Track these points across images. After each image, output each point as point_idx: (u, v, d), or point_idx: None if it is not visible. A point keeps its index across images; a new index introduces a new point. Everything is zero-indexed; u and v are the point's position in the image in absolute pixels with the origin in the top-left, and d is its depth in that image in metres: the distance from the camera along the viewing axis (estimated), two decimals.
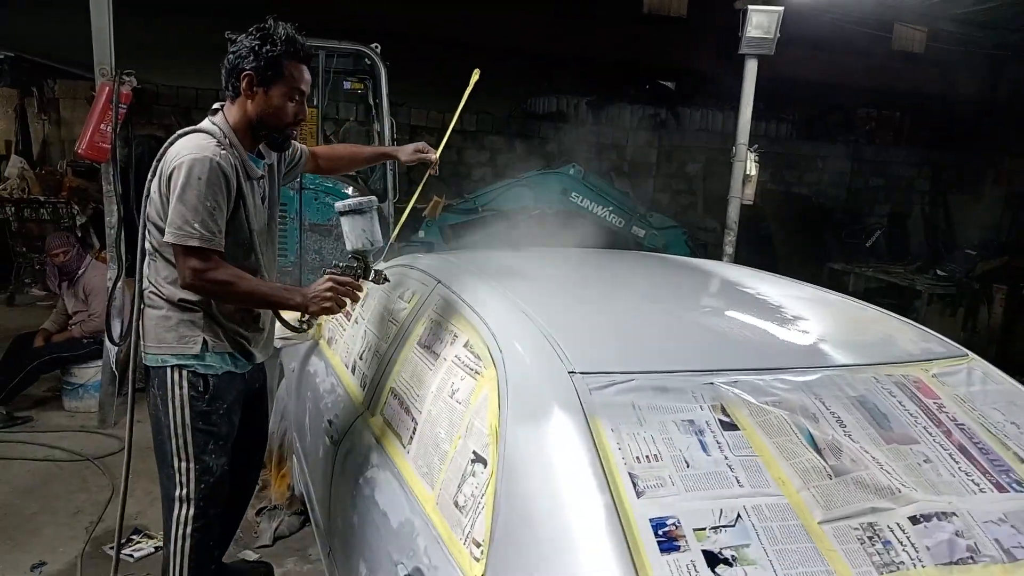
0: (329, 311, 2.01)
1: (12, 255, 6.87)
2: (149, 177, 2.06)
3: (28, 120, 8.11)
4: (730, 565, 1.12)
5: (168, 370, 2.09)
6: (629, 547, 1.13)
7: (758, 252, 7.10)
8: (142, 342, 2.13)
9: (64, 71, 7.99)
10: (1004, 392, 1.72)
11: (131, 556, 2.97)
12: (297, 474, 3.19)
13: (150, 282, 2.12)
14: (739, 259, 4.54)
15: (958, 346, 1.89)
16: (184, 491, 2.12)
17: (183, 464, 2.11)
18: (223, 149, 2.01)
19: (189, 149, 1.98)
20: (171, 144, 2.05)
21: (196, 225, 1.93)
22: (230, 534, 2.56)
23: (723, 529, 1.17)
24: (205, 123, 2.11)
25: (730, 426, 1.36)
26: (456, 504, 1.48)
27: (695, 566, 1.12)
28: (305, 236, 5.62)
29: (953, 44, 8.05)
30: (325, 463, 2.31)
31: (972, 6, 6.03)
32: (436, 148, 2.70)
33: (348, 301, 2.04)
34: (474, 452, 1.50)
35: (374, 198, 2.07)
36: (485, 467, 1.44)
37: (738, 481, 1.26)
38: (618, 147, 8.59)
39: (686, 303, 2.03)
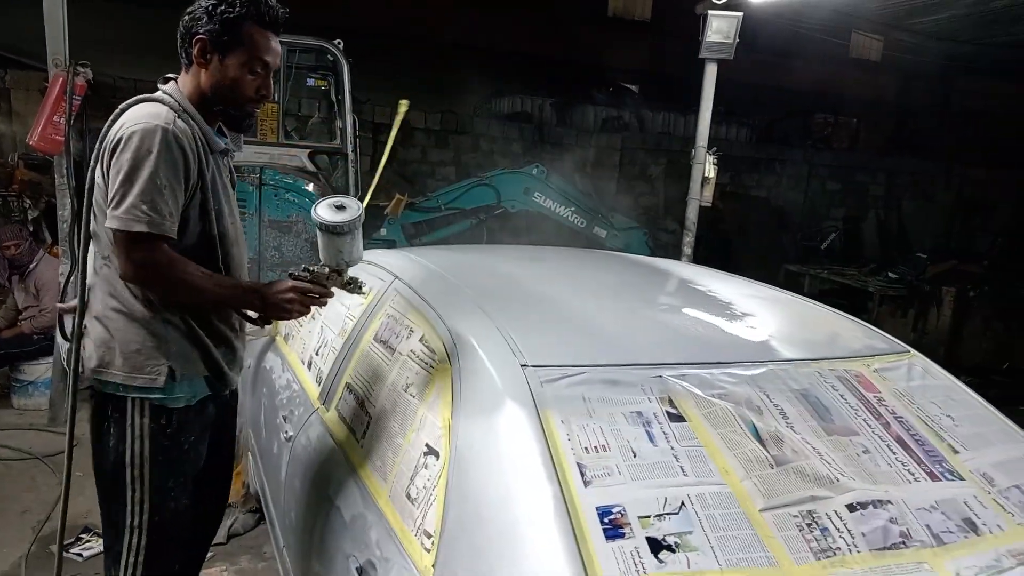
0: (288, 318, 1.80)
1: None
2: (92, 163, 1.77)
3: None
4: (673, 551, 1.15)
5: (128, 401, 1.79)
6: (575, 535, 1.15)
7: (717, 253, 7.22)
8: (92, 361, 1.81)
9: (16, 61, 7.78)
10: (942, 387, 1.79)
11: (80, 555, 2.92)
12: (252, 471, 3.17)
13: (105, 293, 1.79)
14: (698, 259, 4.62)
15: (900, 343, 1.95)
16: (136, 520, 1.84)
17: (136, 495, 1.83)
18: (178, 118, 1.72)
19: (136, 119, 1.68)
20: (115, 119, 1.74)
21: (144, 207, 1.62)
22: (198, 565, 2.23)
23: (667, 517, 1.20)
24: (153, 95, 1.80)
25: (677, 418, 1.39)
26: (408, 496, 1.49)
27: (639, 552, 1.14)
28: (264, 232, 5.56)
29: (908, 54, 8.28)
30: (279, 459, 2.29)
31: (923, 16, 6.21)
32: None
33: (313, 308, 1.81)
34: (427, 445, 1.51)
35: (360, 212, 1.77)
36: (437, 459, 1.45)
37: (683, 470, 1.29)
38: (582, 148, 8.64)
39: (638, 300, 2.06)
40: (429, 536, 1.36)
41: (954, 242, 9.20)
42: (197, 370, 1.84)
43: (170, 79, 1.84)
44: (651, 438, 1.34)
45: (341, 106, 5.81)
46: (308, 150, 5.80)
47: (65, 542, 2.69)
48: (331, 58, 5.69)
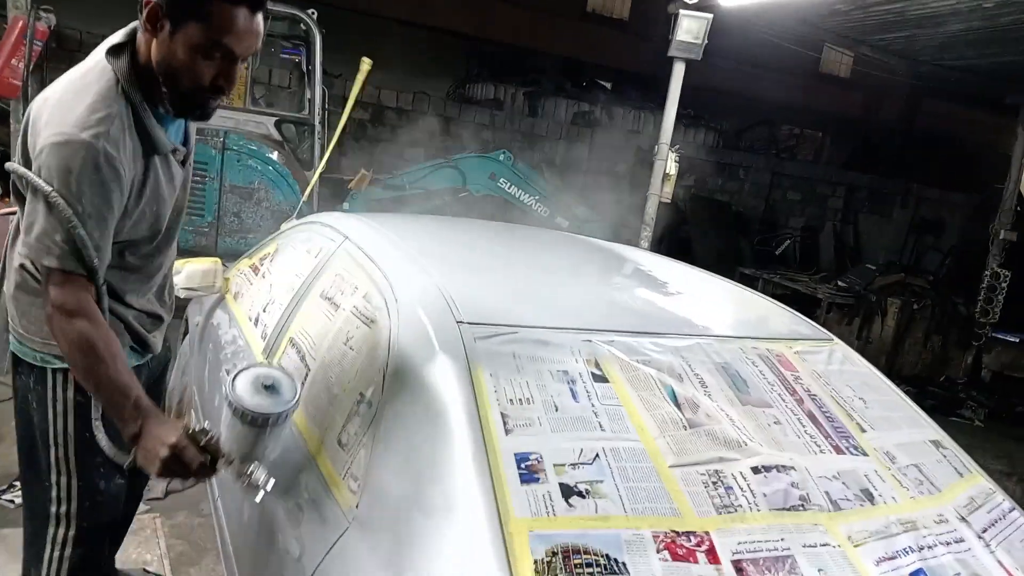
0: (145, 468, 1.42)
1: None
2: (22, 127, 1.51)
3: None
4: (583, 497, 1.21)
5: (49, 372, 1.61)
6: (492, 477, 1.21)
7: (677, 252, 7.35)
8: (12, 324, 1.63)
9: None
10: (859, 374, 1.88)
11: (11, 503, 2.89)
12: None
13: (28, 262, 1.54)
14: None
15: (825, 331, 2.04)
16: (63, 508, 1.67)
17: (62, 479, 1.66)
18: (112, 119, 1.41)
19: (62, 124, 1.38)
20: (45, 100, 1.46)
21: (56, 238, 1.37)
22: (119, 542, 2.12)
23: (581, 466, 1.27)
24: (98, 62, 1.48)
25: (601, 379, 1.46)
26: (339, 443, 1.53)
27: (550, 496, 1.20)
28: (225, 198, 5.53)
29: (876, 71, 8.48)
30: (219, 412, 2.31)
31: (887, 33, 6.39)
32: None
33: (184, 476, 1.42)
34: (360, 394, 1.55)
35: (295, 402, 1.42)
36: (370, 407, 1.50)
37: (601, 426, 1.35)
38: (552, 140, 8.72)
39: (579, 272, 2.13)
40: (356, 479, 1.40)
41: (906, 258, 9.49)
42: (121, 340, 1.61)
43: (124, 44, 1.50)
44: (574, 395, 1.40)
45: (311, 76, 5.79)
46: (275, 118, 5.77)
47: None
48: (304, 27, 5.66)
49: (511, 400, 1.36)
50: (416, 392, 1.41)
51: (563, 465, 1.26)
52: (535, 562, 1.11)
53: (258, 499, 1.46)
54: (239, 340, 2.48)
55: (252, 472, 1.41)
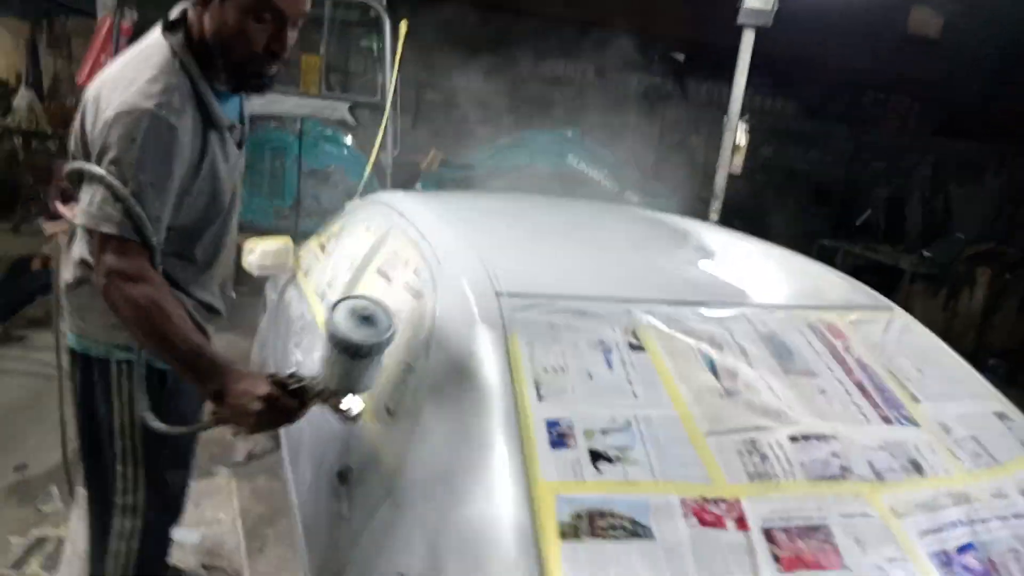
0: (236, 428, 1.39)
1: (19, 186, 7.00)
2: (78, 115, 1.51)
3: (39, 54, 8.20)
4: (611, 462, 1.23)
5: (112, 363, 1.61)
6: (522, 442, 1.24)
7: (752, 225, 7.15)
8: (72, 320, 1.64)
9: (76, 9, 8.06)
10: (920, 344, 1.81)
11: None
12: None
13: (89, 255, 1.52)
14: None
15: (887, 301, 1.97)
16: (129, 499, 1.67)
17: (128, 469, 1.66)
18: (173, 91, 1.44)
19: (124, 94, 1.40)
20: (103, 81, 1.48)
21: (117, 207, 1.37)
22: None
23: (611, 432, 1.28)
24: (155, 39, 1.51)
25: (638, 348, 1.46)
26: (387, 409, 1.60)
27: (579, 461, 1.23)
28: (303, 181, 5.73)
29: (968, 34, 7.97)
30: None
31: None
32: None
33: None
34: (406, 363, 1.61)
35: (393, 330, 1.37)
36: (415, 376, 1.56)
37: (635, 394, 1.36)
38: (622, 115, 8.60)
39: (626, 243, 2.12)
40: (400, 445, 1.46)
41: (1001, 228, 8.93)
42: None
43: (179, 21, 1.53)
44: (609, 364, 1.42)
45: (381, 60, 5.89)
46: (348, 103, 5.92)
47: None
48: (373, 14, 5.76)
49: (545, 368, 1.38)
50: (455, 362, 1.46)
51: (594, 431, 1.28)
52: (560, 524, 1.13)
53: (356, 423, 1.51)
54: (307, 315, 2.60)
55: (347, 410, 1.45)
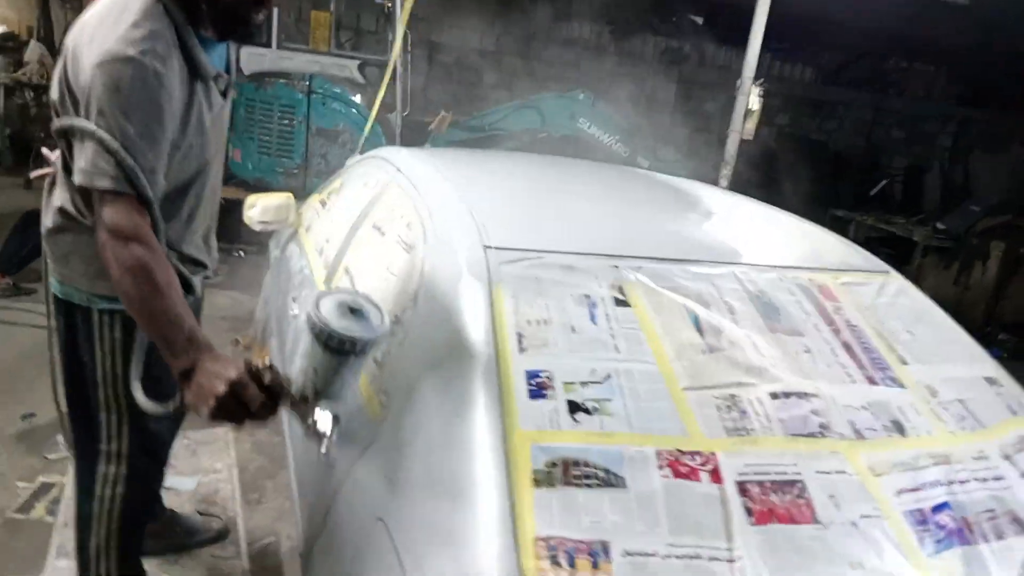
0: (197, 408, 1.31)
1: (31, 140, 7.03)
2: (59, 64, 1.46)
3: (50, 7, 8.16)
4: (589, 414, 1.24)
5: (95, 312, 1.60)
6: (501, 391, 1.25)
7: (766, 193, 7.07)
8: (53, 268, 1.62)
9: None
10: (913, 307, 1.80)
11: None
12: (276, 355, 3.36)
13: (68, 203, 1.54)
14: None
15: (884, 265, 1.95)
16: (113, 446, 1.68)
17: (112, 417, 1.66)
18: (158, 37, 1.38)
19: (106, 41, 1.35)
20: (82, 27, 1.43)
21: (110, 162, 1.34)
22: (162, 477, 2.14)
23: (591, 385, 1.29)
24: None
25: (623, 303, 1.46)
26: (375, 360, 1.61)
27: (557, 411, 1.23)
28: (312, 140, 5.72)
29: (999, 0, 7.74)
30: (286, 336, 2.45)
31: None
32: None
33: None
34: (395, 315, 1.62)
35: (386, 327, 1.31)
36: (402, 327, 1.56)
37: (617, 348, 1.36)
38: (638, 79, 8.48)
39: (621, 201, 2.10)
40: (386, 394, 1.48)
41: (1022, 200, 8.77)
42: None
43: None
44: (593, 318, 1.41)
45: (391, 16, 5.83)
46: (358, 62, 5.87)
47: None
48: None
49: (528, 321, 1.38)
50: (441, 313, 1.46)
51: (573, 383, 1.28)
52: (534, 471, 1.14)
53: (323, 449, 1.43)
54: (305, 270, 2.61)
55: (314, 423, 1.36)
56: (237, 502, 2.60)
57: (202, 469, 2.76)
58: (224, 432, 3.05)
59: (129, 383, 1.57)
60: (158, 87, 1.38)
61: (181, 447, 2.44)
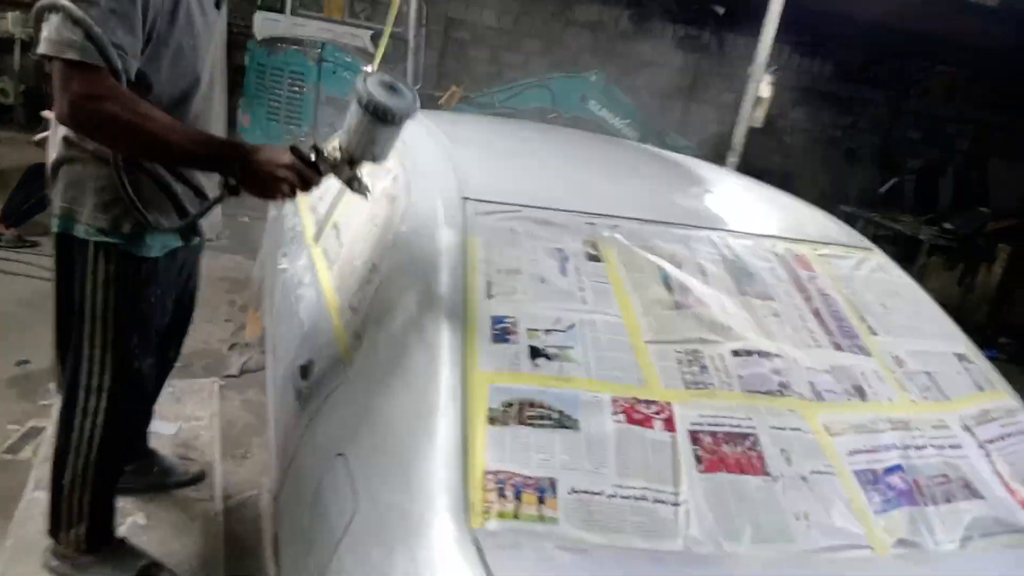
0: (267, 197, 1.45)
1: (44, 97, 7.08)
2: None
3: None
4: (549, 359, 1.26)
5: (91, 245, 1.61)
6: (465, 334, 1.27)
7: (774, 183, 7.04)
8: (57, 198, 1.63)
9: None
10: (891, 283, 1.80)
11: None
12: (267, 313, 3.40)
13: (72, 132, 1.56)
14: None
15: (867, 241, 1.96)
16: (95, 381, 1.70)
17: (96, 351, 1.68)
18: None
19: None
20: None
21: (77, 32, 1.30)
22: (148, 419, 2.23)
23: (554, 332, 1.30)
24: None
25: (595, 258, 1.47)
26: (351, 307, 1.63)
27: (518, 356, 1.25)
28: (320, 109, 5.73)
29: None
30: (274, 290, 2.48)
31: None
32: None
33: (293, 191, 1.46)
34: (372, 263, 1.64)
35: (417, 102, 1.45)
36: (377, 274, 1.59)
37: (584, 300, 1.38)
38: (654, 65, 8.43)
39: (607, 167, 2.11)
40: (357, 337, 1.50)
41: None
42: (169, 220, 1.66)
43: None
44: (563, 271, 1.43)
45: None
46: (371, 32, 5.88)
47: None
48: None
49: (499, 270, 1.40)
50: (415, 260, 1.48)
51: (537, 331, 1.30)
52: (490, 410, 1.16)
53: (368, 199, 1.60)
54: (297, 227, 2.63)
55: (361, 180, 1.51)
56: (216, 448, 2.64)
57: (184, 416, 2.80)
58: (211, 383, 3.09)
59: (116, 318, 1.64)
60: None
61: (167, 394, 2.47)
